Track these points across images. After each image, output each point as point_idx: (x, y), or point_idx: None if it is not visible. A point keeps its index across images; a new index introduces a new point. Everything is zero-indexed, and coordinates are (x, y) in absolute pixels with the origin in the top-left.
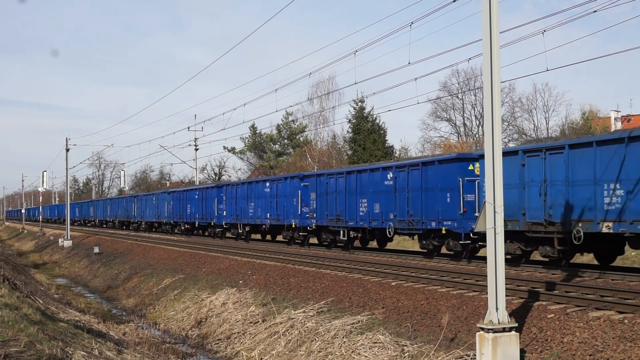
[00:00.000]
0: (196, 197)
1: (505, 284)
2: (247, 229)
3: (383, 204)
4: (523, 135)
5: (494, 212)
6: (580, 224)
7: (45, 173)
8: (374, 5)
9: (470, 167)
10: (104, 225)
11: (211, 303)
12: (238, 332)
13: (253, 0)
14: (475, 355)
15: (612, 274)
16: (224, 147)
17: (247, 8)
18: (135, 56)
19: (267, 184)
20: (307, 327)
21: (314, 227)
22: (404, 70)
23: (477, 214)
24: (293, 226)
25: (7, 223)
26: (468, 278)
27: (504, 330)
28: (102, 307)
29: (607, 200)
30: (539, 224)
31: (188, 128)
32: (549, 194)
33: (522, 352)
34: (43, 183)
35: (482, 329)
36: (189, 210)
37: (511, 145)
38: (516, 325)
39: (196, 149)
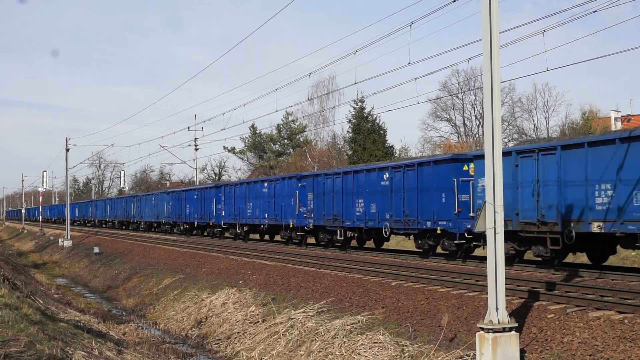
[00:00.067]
0: (195, 197)
1: (505, 284)
2: (245, 229)
3: (379, 204)
4: (523, 135)
5: (494, 212)
6: (572, 224)
7: (45, 173)
8: (374, 5)
9: (465, 168)
10: (104, 225)
11: (211, 303)
12: (238, 332)
13: (253, 0)
14: (475, 355)
15: (612, 274)
16: (224, 147)
17: (247, 8)
18: (135, 56)
19: (265, 184)
20: (307, 327)
21: (311, 227)
22: (404, 70)
23: (471, 214)
24: (291, 226)
25: (7, 223)
26: (468, 278)
27: (504, 330)
28: (102, 307)
29: (598, 200)
30: (532, 224)
31: (188, 128)
32: (542, 194)
33: (522, 352)
34: (43, 183)
35: (482, 329)
36: (187, 211)
37: (511, 145)
38: (516, 325)
39: (196, 149)
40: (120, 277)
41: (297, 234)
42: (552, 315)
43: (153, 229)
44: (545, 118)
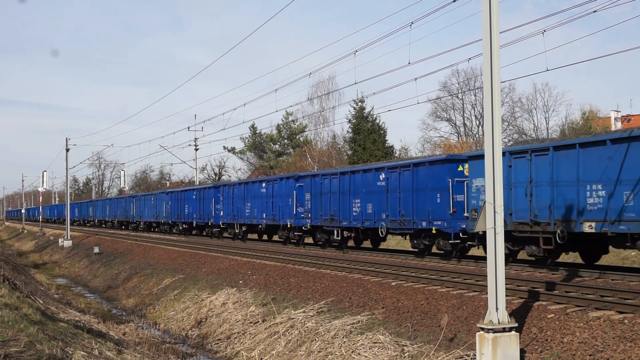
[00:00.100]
0: (194, 197)
1: (505, 284)
2: (243, 228)
3: (375, 204)
4: (523, 135)
5: (494, 212)
6: (564, 224)
7: (45, 173)
8: (374, 5)
9: (460, 168)
10: (103, 225)
11: (211, 303)
12: (238, 332)
13: (253, 0)
14: (475, 355)
15: (612, 274)
16: (224, 147)
17: (247, 8)
18: (135, 56)
19: (263, 185)
20: (307, 327)
21: (308, 227)
22: (404, 70)
23: (466, 214)
24: (288, 226)
25: (7, 223)
26: (468, 278)
27: (504, 330)
28: (102, 307)
29: (590, 200)
30: (525, 224)
31: (188, 128)
32: (535, 194)
33: (522, 352)
34: (43, 183)
35: (482, 329)
36: (186, 211)
37: (510, 145)
38: (516, 325)
39: (196, 149)
40: (120, 277)
41: (295, 234)
42: (552, 315)
43: (152, 229)
44: (545, 118)
